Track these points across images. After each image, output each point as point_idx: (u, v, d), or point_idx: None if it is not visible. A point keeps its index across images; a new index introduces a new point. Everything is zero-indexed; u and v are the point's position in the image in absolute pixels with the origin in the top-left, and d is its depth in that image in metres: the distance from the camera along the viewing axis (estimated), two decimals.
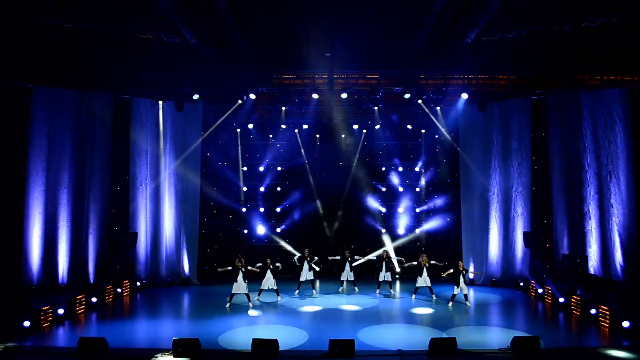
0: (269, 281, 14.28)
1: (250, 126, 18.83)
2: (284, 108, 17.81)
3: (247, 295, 13.86)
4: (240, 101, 17.21)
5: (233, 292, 13.73)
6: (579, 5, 12.80)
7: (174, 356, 9.26)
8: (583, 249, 15.62)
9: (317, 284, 16.52)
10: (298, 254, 16.17)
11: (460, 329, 11.56)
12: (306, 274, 15.44)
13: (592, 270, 15.32)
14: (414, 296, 14.96)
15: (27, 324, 10.90)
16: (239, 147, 19.56)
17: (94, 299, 13.71)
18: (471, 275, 16.94)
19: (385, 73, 17.13)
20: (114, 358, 9.46)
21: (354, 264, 15.81)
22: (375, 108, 17.68)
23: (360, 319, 12.51)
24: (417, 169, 19.68)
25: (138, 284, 16.41)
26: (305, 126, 18.74)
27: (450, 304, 13.99)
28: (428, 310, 13.52)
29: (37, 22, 13.62)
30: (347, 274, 15.69)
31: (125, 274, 16.31)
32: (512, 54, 15.26)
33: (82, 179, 16.03)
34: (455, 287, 13.90)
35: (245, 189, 19.54)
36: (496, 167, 17.47)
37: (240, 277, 13.62)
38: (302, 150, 19.53)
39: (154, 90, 16.95)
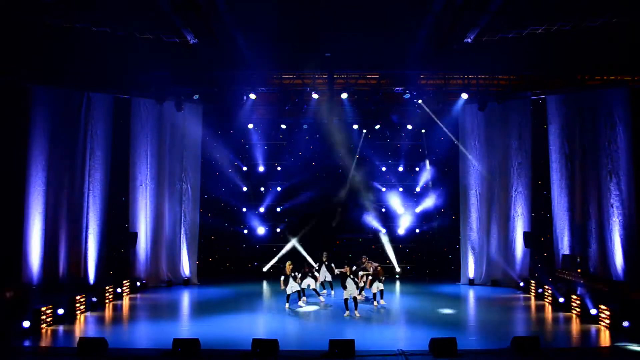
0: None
1: (250, 126, 18.77)
2: (284, 108, 17.79)
3: (299, 292, 13.77)
4: (240, 101, 17.19)
5: (288, 292, 13.57)
6: (579, 5, 12.80)
7: (174, 356, 9.26)
8: (583, 249, 15.60)
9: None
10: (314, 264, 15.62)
11: (460, 329, 11.56)
12: (324, 275, 15.25)
13: (592, 270, 15.31)
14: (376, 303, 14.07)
15: (27, 324, 10.89)
16: (239, 147, 19.54)
17: (94, 299, 13.70)
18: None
19: (385, 73, 17.11)
20: (114, 358, 9.46)
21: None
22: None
23: (360, 319, 12.50)
24: (417, 169, 19.65)
25: (138, 284, 16.39)
26: (305, 126, 18.71)
27: (375, 303, 13.86)
28: (428, 310, 13.52)
29: (37, 22, 13.62)
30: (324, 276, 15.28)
31: (125, 274, 16.31)
32: (512, 54, 15.25)
33: (82, 179, 16.01)
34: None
35: (245, 189, 19.50)
36: (496, 167, 17.46)
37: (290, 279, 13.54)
38: (302, 151, 19.49)
39: (154, 90, 16.91)
